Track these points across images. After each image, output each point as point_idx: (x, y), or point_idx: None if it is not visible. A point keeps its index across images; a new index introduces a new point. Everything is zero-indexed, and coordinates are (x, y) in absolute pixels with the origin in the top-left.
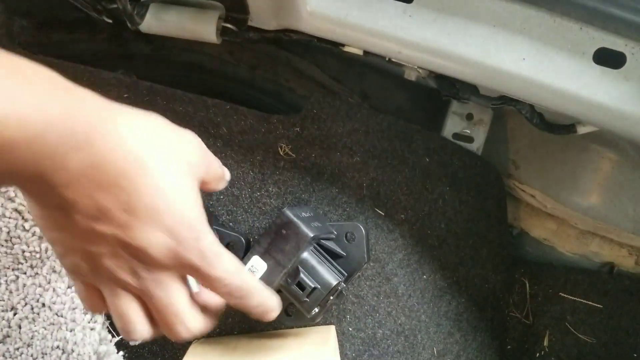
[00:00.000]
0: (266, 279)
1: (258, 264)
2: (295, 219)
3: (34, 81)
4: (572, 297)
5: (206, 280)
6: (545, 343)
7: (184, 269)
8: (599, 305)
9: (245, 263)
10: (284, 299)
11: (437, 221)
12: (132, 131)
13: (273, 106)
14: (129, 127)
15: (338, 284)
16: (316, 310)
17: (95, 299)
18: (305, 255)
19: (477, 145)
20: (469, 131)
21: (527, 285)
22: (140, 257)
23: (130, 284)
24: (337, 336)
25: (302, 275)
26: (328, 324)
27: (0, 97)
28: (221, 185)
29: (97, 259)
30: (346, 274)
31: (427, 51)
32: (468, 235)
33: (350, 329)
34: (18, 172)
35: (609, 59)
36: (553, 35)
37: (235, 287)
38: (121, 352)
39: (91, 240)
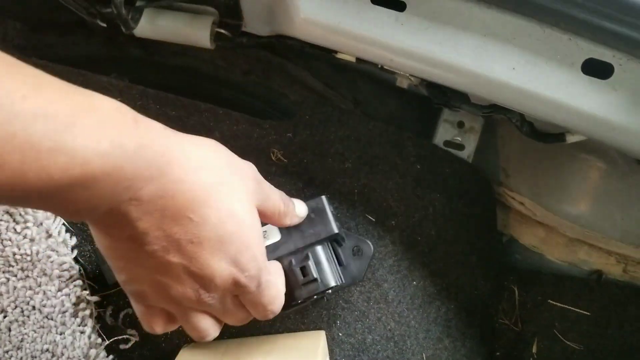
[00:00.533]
0: (272, 248)
1: (273, 232)
2: (328, 210)
3: (106, 114)
4: (561, 305)
5: (250, 301)
6: (534, 350)
7: (239, 290)
8: (587, 313)
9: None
10: None
11: (427, 228)
12: (198, 161)
13: (265, 111)
14: (195, 156)
15: (335, 286)
16: (299, 300)
17: (158, 319)
18: (319, 247)
19: (467, 153)
20: (460, 139)
21: (516, 292)
22: (205, 285)
23: (194, 307)
24: (327, 341)
25: (309, 263)
26: (318, 329)
27: (83, 134)
28: (289, 221)
29: (164, 286)
30: (343, 282)
31: (419, 59)
32: (458, 242)
33: (340, 334)
34: (96, 206)
35: (597, 69)
36: (542, 46)
37: (271, 312)
38: (111, 356)
39: (160, 271)
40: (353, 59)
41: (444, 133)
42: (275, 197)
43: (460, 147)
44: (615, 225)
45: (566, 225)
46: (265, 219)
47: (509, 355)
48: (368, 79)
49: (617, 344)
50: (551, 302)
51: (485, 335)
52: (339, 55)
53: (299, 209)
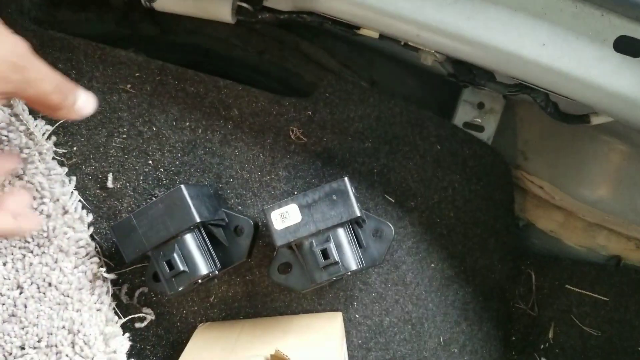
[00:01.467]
0: (293, 229)
1: (294, 212)
2: (350, 192)
3: None
4: (578, 290)
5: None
6: (550, 335)
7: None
8: (605, 298)
9: (282, 206)
10: (291, 256)
11: (447, 210)
12: None
13: (280, 92)
14: None
15: (355, 270)
16: (319, 282)
17: None
18: (341, 229)
19: (487, 135)
20: (479, 120)
21: (533, 277)
22: None
23: None
24: (344, 323)
25: (331, 245)
26: (335, 311)
27: None
28: (65, 115)
29: None
30: (363, 265)
31: (445, 34)
32: (476, 225)
33: (357, 315)
34: None
35: (629, 47)
36: (574, 21)
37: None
38: (127, 334)
39: None
40: (376, 35)
41: (463, 114)
42: (43, 87)
43: (480, 128)
44: (635, 210)
45: (585, 210)
46: (34, 106)
47: (525, 340)
48: (386, 59)
49: (637, 330)
50: (568, 287)
51: (502, 319)
52: (361, 31)
53: (82, 106)
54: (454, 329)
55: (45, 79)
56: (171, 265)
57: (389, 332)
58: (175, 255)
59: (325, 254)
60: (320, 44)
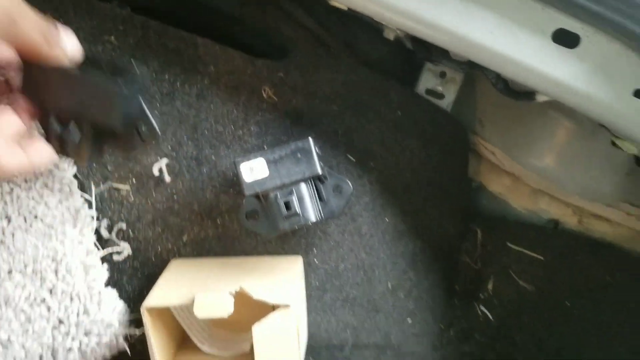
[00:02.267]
0: (261, 181)
1: (261, 166)
2: (314, 151)
3: None
4: (518, 248)
5: None
6: (490, 287)
7: None
8: (541, 257)
9: (251, 159)
10: (258, 205)
11: (404, 170)
12: None
13: (258, 46)
14: None
15: (314, 222)
16: (283, 229)
17: None
18: (303, 184)
19: (447, 102)
20: (441, 88)
21: (480, 234)
22: None
23: None
24: (304, 266)
25: (293, 198)
26: (296, 255)
27: None
28: (54, 54)
29: None
30: (322, 218)
31: (406, 16)
32: (431, 185)
33: (316, 260)
34: None
35: (565, 39)
36: (518, 13)
37: None
38: (105, 265)
39: None
40: (345, 8)
41: (426, 81)
42: (34, 37)
43: (441, 96)
44: (575, 181)
45: (531, 177)
46: (21, 54)
47: (467, 290)
48: (361, 24)
49: (566, 287)
50: (510, 245)
51: (447, 270)
52: (332, 2)
53: (68, 47)
54: (401, 276)
55: (36, 28)
56: (288, 206)
57: (343, 276)
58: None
59: (288, 205)
60: (300, 3)
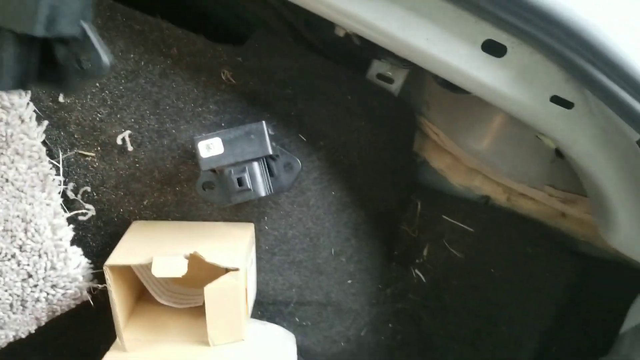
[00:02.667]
0: (216, 158)
1: (218, 144)
2: (266, 133)
3: None
4: (452, 220)
5: None
6: (425, 253)
7: None
8: (471, 229)
9: (208, 138)
10: (213, 177)
11: (351, 149)
12: None
13: (222, 24)
14: None
15: (264, 196)
16: (236, 202)
17: None
18: (256, 163)
19: (396, 86)
20: (390, 73)
21: (420, 205)
22: None
23: None
24: (255, 232)
25: (245, 175)
26: (248, 222)
27: None
28: None
29: None
30: (272, 192)
31: (353, 19)
32: (376, 163)
33: (267, 227)
34: None
35: (493, 48)
36: (453, 24)
37: None
38: (71, 225)
39: None
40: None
41: (378, 66)
42: None
43: (390, 80)
44: (506, 163)
45: (468, 157)
46: None
47: (405, 256)
48: None
49: (492, 256)
50: (445, 217)
51: (387, 238)
52: None
53: None
54: (344, 243)
55: None
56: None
57: (291, 242)
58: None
59: (241, 181)
60: None
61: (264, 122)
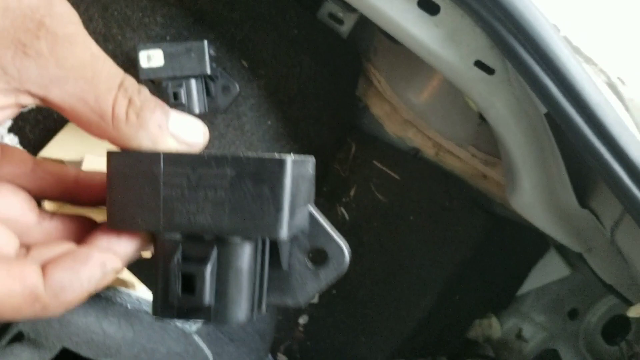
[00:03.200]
0: (155, 70)
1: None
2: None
3: None
4: (381, 166)
5: None
6: (352, 194)
7: None
8: (397, 177)
9: (150, 48)
10: (151, 87)
11: (292, 82)
12: None
13: None
14: None
15: (197, 113)
16: None
17: None
18: (194, 80)
19: (345, 29)
20: (342, 14)
21: (354, 148)
22: None
23: None
24: None
25: (181, 90)
26: None
27: None
28: (137, 140)
29: None
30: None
31: None
32: (316, 100)
33: None
34: None
35: (428, 6)
36: None
37: None
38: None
39: None
40: None
41: (330, 6)
42: (100, 83)
43: (340, 21)
44: (439, 120)
45: (405, 109)
46: (76, 121)
47: (332, 193)
48: None
49: (414, 204)
50: (376, 162)
51: (319, 173)
52: None
53: (182, 128)
54: None
55: (102, 63)
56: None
57: None
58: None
59: (176, 95)
60: None
61: (205, 41)
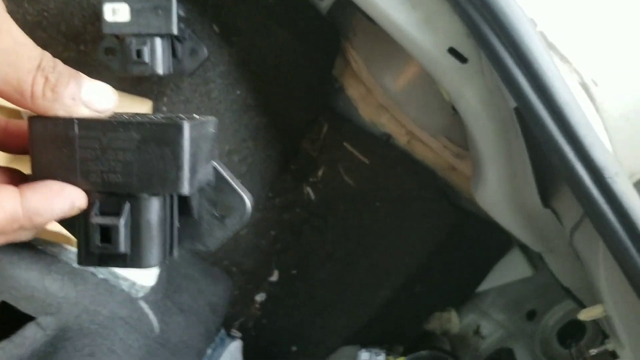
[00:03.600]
0: (121, 25)
1: (124, 11)
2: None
3: None
4: (352, 149)
5: None
6: (320, 174)
7: None
8: (367, 162)
9: (115, 1)
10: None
11: (266, 54)
12: None
13: None
14: None
15: (160, 75)
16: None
17: None
18: (159, 39)
19: (325, 5)
20: None
21: (326, 128)
22: None
23: None
24: (152, 110)
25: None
26: (146, 99)
27: None
28: (58, 110)
29: None
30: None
31: None
32: (290, 75)
33: (165, 108)
34: None
35: None
36: None
37: None
38: None
39: None
40: None
41: None
42: (25, 64)
43: None
44: (413, 108)
45: (380, 93)
46: (7, 95)
47: (300, 171)
48: None
49: (381, 191)
50: (346, 145)
51: (287, 151)
52: None
53: (94, 99)
54: (240, 144)
55: (24, 48)
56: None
57: None
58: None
59: (139, 53)
60: None
61: (174, 0)
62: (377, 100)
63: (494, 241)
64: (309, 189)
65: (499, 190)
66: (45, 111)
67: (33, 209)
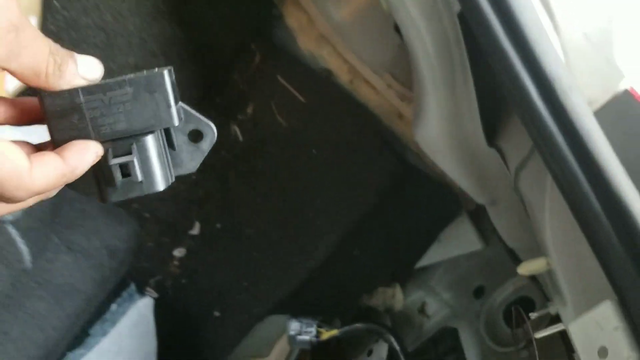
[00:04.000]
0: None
1: None
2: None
3: None
4: (287, 85)
5: None
6: (249, 111)
7: None
8: (303, 100)
9: None
10: None
11: None
12: None
13: None
14: None
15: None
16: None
17: None
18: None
19: None
20: None
21: (258, 58)
22: None
23: None
24: (42, 4)
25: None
26: None
27: None
28: (64, 83)
29: None
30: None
31: None
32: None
33: (57, 4)
34: None
35: None
36: None
37: None
38: None
39: None
40: None
41: None
42: (39, 51)
43: None
44: (357, 39)
45: (322, 22)
46: (23, 78)
47: (227, 107)
48: None
49: (318, 135)
50: (280, 78)
51: (212, 77)
52: None
53: (87, 70)
54: (149, 58)
55: (39, 40)
56: (126, 172)
57: (82, 32)
58: (135, 160)
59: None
60: None
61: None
62: (318, 30)
63: (441, 203)
64: (236, 128)
65: (440, 125)
66: (54, 87)
67: (74, 165)
